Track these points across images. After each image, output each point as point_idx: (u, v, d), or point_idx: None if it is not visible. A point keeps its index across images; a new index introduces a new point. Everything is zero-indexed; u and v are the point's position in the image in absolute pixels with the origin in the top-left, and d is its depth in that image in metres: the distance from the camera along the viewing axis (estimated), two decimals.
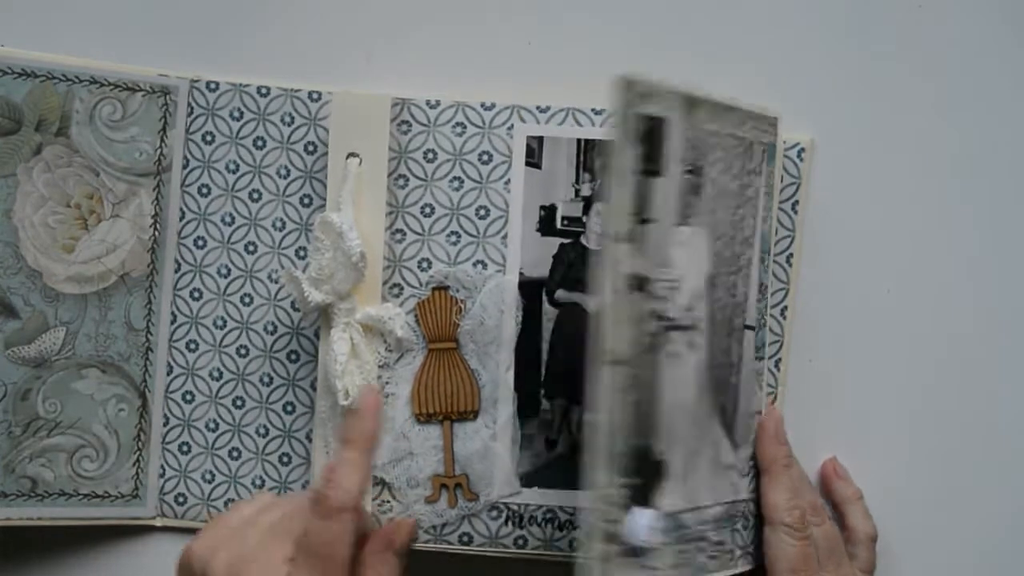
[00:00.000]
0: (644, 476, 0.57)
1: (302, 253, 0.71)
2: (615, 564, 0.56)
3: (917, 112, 0.71)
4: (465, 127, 0.69)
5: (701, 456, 0.61)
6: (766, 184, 0.65)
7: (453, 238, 0.69)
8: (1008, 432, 0.71)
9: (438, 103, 0.69)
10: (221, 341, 0.71)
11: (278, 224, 0.71)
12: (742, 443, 0.64)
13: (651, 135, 0.57)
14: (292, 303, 0.71)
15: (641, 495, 0.57)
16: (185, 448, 0.71)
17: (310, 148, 0.71)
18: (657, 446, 0.58)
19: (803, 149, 0.69)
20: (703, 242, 0.61)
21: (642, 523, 0.57)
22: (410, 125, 0.69)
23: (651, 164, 0.57)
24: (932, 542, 0.71)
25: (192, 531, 0.71)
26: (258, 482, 0.71)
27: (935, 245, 0.71)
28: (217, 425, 0.71)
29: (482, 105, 0.69)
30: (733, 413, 0.64)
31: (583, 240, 0.69)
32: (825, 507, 0.68)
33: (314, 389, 0.70)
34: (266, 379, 0.71)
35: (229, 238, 0.71)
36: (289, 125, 0.71)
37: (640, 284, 0.57)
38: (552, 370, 0.69)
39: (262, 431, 0.71)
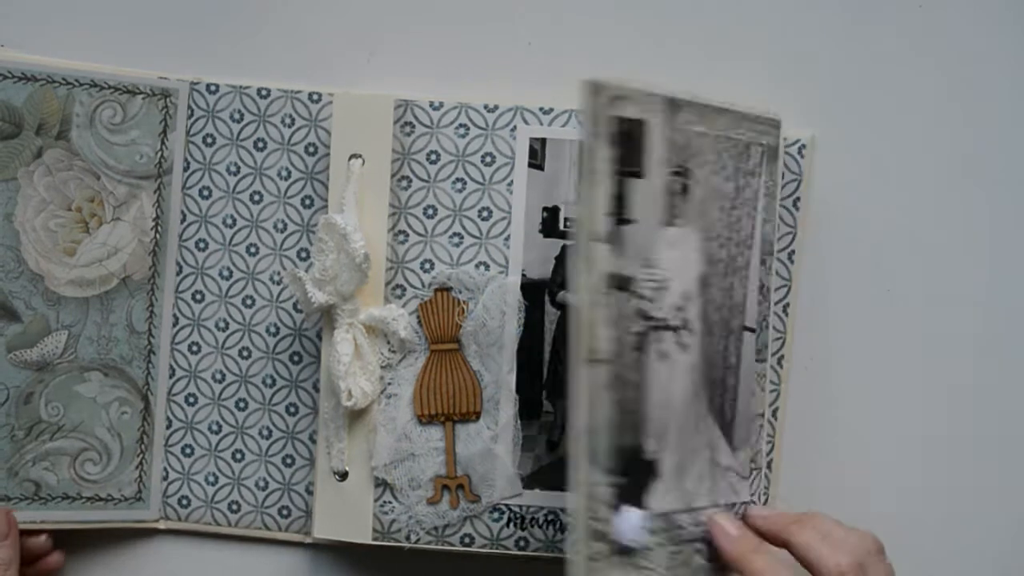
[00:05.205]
0: (633, 475, 0.57)
1: (304, 254, 0.71)
2: (605, 563, 0.56)
3: (917, 111, 0.71)
4: (468, 129, 0.69)
5: (697, 457, 0.61)
6: (766, 186, 0.65)
7: (456, 239, 0.69)
8: (1011, 427, 0.71)
9: (441, 104, 0.69)
10: (223, 343, 0.71)
11: (279, 226, 0.71)
12: (741, 445, 0.64)
13: (628, 137, 0.57)
14: (294, 304, 0.71)
15: (631, 494, 0.57)
16: (188, 450, 0.71)
17: (311, 149, 0.70)
18: (648, 445, 0.58)
19: (804, 146, 0.69)
20: (693, 243, 0.61)
21: (631, 522, 0.57)
22: (413, 126, 0.69)
23: (630, 166, 0.57)
24: (937, 537, 0.71)
25: (195, 534, 0.72)
26: (261, 484, 0.71)
27: (936, 242, 0.71)
28: (220, 427, 0.71)
29: (485, 107, 0.69)
30: (732, 415, 0.64)
31: None
32: None
33: (317, 390, 0.70)
34: (269, 381, 0.71)
35: (230, 240, 0.71)
36: (289, 126, 0.70)
37: (622, 284, 0.57)
38: (554, 372, 0.69)
39: (265, 433, 0.71)
